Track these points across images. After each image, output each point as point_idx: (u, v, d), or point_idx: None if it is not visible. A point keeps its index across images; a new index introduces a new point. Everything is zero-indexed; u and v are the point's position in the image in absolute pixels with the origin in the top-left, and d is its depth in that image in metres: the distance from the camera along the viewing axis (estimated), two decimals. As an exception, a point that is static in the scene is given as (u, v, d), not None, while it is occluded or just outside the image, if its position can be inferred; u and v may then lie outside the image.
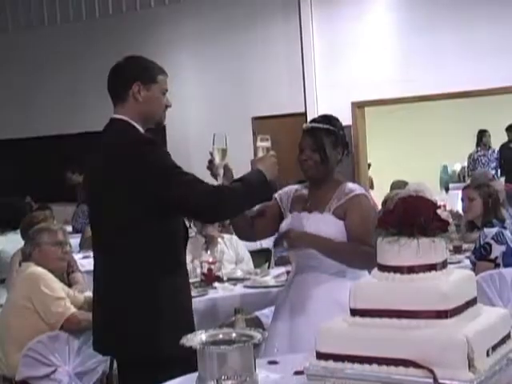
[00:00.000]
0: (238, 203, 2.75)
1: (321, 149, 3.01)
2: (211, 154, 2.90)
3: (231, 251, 5.36)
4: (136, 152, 2.64)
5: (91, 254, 6.22)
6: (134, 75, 2.77)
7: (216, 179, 2.91)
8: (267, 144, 2.95)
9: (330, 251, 2.91)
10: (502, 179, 10.03)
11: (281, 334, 3.02)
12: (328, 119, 3.10)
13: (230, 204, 2.70)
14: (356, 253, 2.90)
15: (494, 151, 11.16)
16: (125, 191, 2.64)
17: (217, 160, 2.89)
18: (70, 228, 8.34)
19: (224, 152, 2.90)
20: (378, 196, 7.97)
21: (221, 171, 2.89)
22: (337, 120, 3.11)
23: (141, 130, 2.78)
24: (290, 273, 3.32)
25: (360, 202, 2.99)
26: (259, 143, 2.94)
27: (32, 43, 12.51)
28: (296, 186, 3.23)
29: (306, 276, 3.04)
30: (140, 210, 2.65)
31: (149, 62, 2.84)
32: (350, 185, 3.06)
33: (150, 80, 2.78)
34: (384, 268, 1.91)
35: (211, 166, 2.89)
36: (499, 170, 11.12)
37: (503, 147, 11.06)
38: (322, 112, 3.46)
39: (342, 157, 3.09)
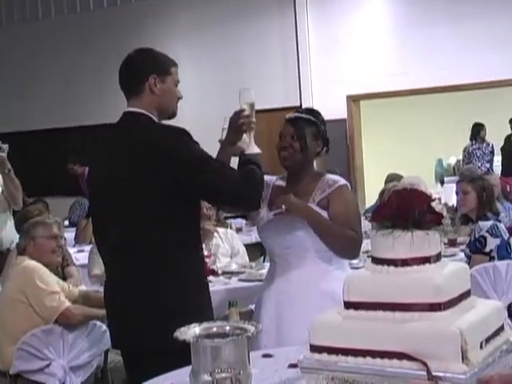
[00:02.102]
0: (262, 183, 2.81)
1: (301, 138, 3.04)
2: (242, 110, 2.83)
3: (226, 245, 5.36)
4: (163, 144, 2.62)
5: (86, 247, 6.29)
6: (149, 68, 2.75)
7: (243, 133, 2.83)
8: None
9: (322, 227, 2.95)
10: (498, 173, 10.03)
11: (267, 331, 2.96)
12: (311, 111, 3.17)
13: (259, 185, 2.76)
14: (343, 236, 2.95)
15: (488, 144, 11.14)
16: (148, 183, 2.61)
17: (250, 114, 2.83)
18: (67, 222, 8.33)
19: (252, 106, 2.85)
20: (372, 189, 7.97)
21: (254, 126, 2.83)
22: (319, 114, 3.16)
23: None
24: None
25: (343, 193, 3.05)
26: (226, 125, 2.91)
27: (26, 37, 12.47)
28: (275, 177, 3.23)
29: (290, 268, 3.02)
30: (168, 202, 2.63)
31: (161, 55, 2.84)
32: (332, 176, 3.11)
33: (165, 72, 2.77)
34: (378, 261, 1.90)
35: (244, 120, 2.80)
36: (500, 164, 11.11)
37: (508, 139, 11.00)
38: (317, 105, 3.48)
39: (322, 151, 3.13)
